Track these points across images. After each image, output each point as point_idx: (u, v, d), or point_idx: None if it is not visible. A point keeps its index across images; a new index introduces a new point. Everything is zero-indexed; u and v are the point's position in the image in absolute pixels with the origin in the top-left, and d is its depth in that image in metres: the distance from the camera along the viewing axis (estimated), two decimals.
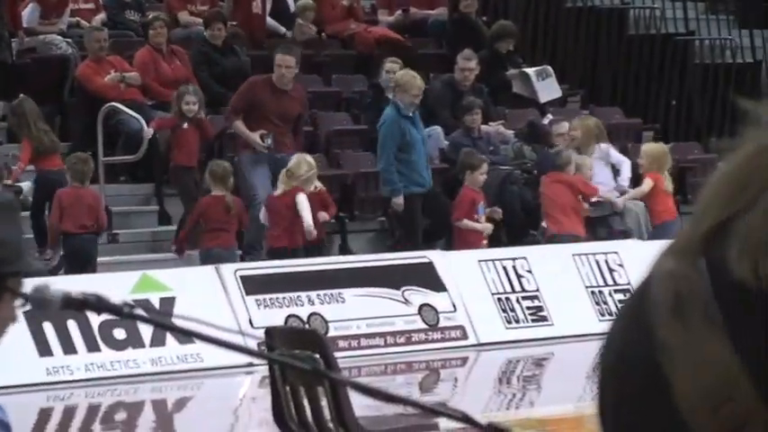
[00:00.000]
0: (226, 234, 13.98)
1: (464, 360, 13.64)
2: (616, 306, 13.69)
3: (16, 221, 2.95)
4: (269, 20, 17.73)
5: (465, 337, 13.26)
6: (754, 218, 1.11)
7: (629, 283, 13.51)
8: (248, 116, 14.71)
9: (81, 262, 13.36)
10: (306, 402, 6.59)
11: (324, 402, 6.49)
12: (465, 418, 2.59)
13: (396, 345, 13.05)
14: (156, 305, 11.61)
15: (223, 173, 13.84)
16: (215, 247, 13.90)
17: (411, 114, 15.20)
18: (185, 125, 14.49)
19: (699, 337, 1.15)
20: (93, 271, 13.29)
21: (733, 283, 1.11)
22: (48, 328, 11.37)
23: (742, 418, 1.12)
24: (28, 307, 2.42)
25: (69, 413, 11.85)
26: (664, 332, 1.15)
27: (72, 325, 11.54)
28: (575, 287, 13.92)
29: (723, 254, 1.12)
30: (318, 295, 13.05)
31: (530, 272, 13.79)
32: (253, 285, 12.80)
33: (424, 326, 13.18)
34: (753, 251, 1.10)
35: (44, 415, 11.58)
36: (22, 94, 14.77)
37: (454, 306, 13.35)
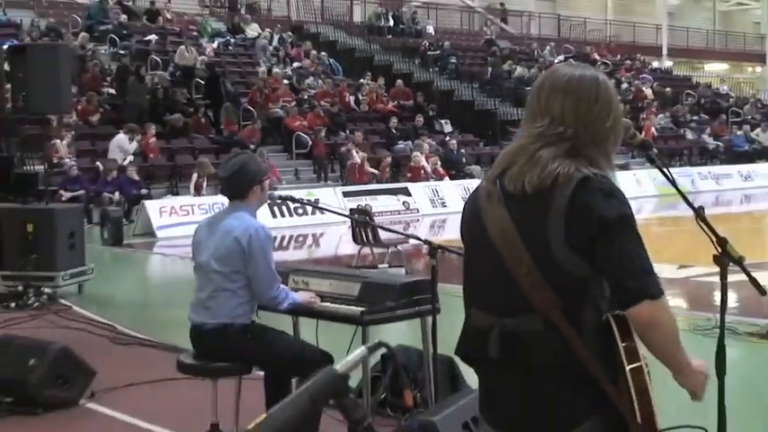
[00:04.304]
0: None
1: None
2: None
3: None
4: None
5: None
6: (517, 166, 2.75)
7: None
8: None
9: None
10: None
11: None
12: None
13: None
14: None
15: None
16: None
17: None
18: None
19: (496, 208, 2.80)
20: None
21: (505, 188, 2.76)
22: None
23: (521, 256, 2.67)
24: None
25: None
26: (483, 204, 2.83)
27: None
28: None
29: (503, 180, 2.76)
30: None
31: None
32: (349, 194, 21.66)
33: None
34: (515, 178, 2.73)
35: None
36: None
37: None
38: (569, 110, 2.78)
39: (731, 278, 3.33)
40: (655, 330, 2.66)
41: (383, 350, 1.88)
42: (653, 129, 31.64)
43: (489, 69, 33.32)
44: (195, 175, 21.11)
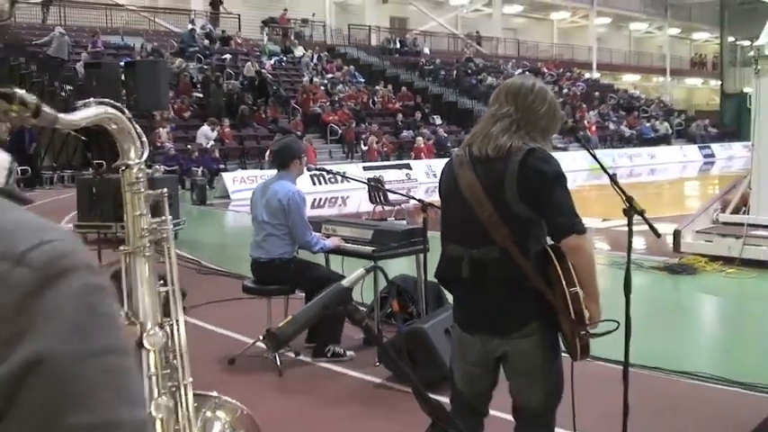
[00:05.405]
0: None
1: None
2: None
3: None
4: None
5: None
6: (479, 140, 2.67)
7: None
8: None
9: None
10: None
11: None
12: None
13: None
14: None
15: None
16: None
17: None
18: None
19: (466, 170, 2.67)
20: None
21: (473, 156, 2.67)
22: None
23: (484, 204, 2.59)
24: None
25: None
26: (456, 168, 2.75)
27: None
28: None
29: (471, 150, 2.68)
30: None
31: None
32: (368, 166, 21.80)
33: None
34: (479, 148, 2.63)
35: None
36: None
37: None
38: (512, 98, 2.79)
39: (642, 228, 3.30)
40: (580, 255, 2.65)
41: (383, 274, 1.89)
42: (589, 122, 31.54)
43: (454, 72, 32.95)
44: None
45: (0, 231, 0.60)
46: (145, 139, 1.34)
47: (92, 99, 1.27)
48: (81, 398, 0.59)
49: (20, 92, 0.97)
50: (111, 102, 1.28)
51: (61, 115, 1.07)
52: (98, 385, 0.59)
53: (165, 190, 1.35)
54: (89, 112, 1.20)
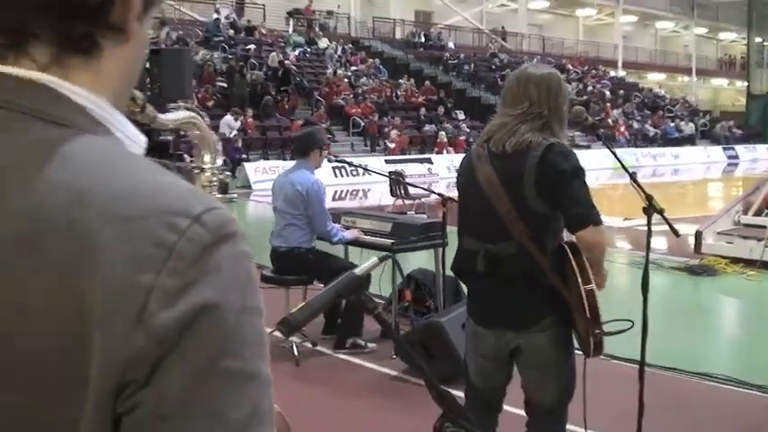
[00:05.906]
0: None
1: None
2: None
3: None
4: None
5: None
6: (499, 135, 2.52)
7: None
8: None
9: None
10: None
11: None
12: None
13: None
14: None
15: None
16: None
17: None
18: None
19: (484, 165, 2.52)
20: None
21: (491, 151, 2.53)
22: None
23: (502, 199, 2.51)
24: None
25: None
26: (474, 162, 2.61)
27: None
28: None
29: (489, 145, 2.59)
30: None
31: None
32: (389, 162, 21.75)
33: None
34: (498, 143, 2.56)
35: None
36: None
37: None
38: (544, 96, 2.74)
39: (662, 228, 3.27)
40: (596, 249, 2.64)
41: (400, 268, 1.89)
42: (617, 123, 31.31)
43: (472, 65, 32.74)
44: None
45: (175, 193, 0.69)
46: (220, 146, 1.42)
47: (180, 103, 1.33)
48: (235, 347, 0.67)
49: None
50: (196, 108, 1.34)
51: (159, 115, 1.15)
52: (248, 339, 0.68)
53: (236, 195, 1.39)
54: (179, 116, 1.29)
